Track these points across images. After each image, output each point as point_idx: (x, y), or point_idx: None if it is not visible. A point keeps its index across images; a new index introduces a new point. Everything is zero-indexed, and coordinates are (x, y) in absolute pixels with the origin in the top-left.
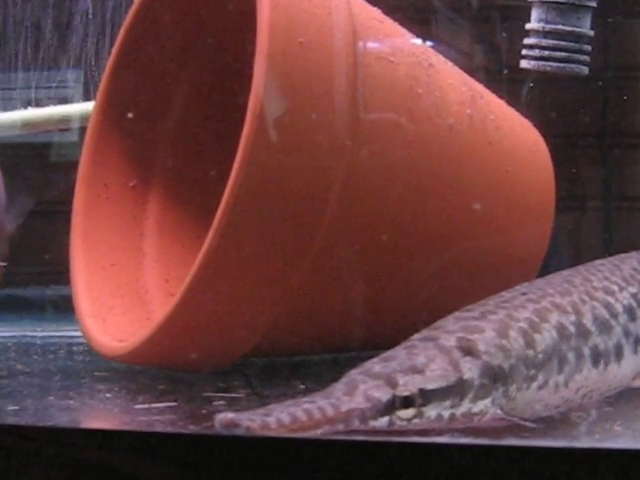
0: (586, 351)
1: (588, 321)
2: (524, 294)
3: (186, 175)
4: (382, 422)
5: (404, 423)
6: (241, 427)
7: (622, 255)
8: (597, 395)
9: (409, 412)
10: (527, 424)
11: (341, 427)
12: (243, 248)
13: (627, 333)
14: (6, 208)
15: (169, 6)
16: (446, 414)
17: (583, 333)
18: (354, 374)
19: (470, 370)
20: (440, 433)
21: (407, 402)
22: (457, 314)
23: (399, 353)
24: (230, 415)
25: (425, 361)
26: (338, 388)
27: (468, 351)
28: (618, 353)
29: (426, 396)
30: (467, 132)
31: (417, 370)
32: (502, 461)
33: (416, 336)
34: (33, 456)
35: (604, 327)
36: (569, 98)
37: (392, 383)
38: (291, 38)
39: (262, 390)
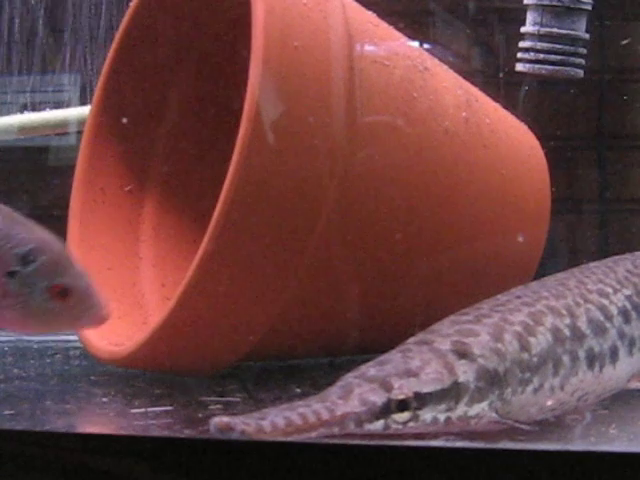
0: (581, 354)
1: (583, 324)
2: (519, 297)
3: (182, 179)
4: (377, 426)
5: (399, 426)
6: (236, 431)
7: (616, 257)
8: (592, 398)
9: (404, 415)
10: (523, 427)
11: (336, 431)
12: (239, 252)
13: (622, 335)
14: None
15: (165, 11)
16: (442, 417)
17: (578, 336)
18: (349, 378)
19: (465, 373)
20: (436, 436)
21: (402, 405)
22: (452, 317)
23: (394, 357)
24: (225, 419)
25: (420, 364)
26: (333, 392)
27: (463, 354)
28: (613, 355)
29: (421, 399)
30: (463, 135)
31: (412, 374)
32: (497, 464)
33: (411, 340)
34: (29, 461)
35: (599, 329)
36: (564, 101)
37: (387, 387)
38: (286, 42)
39: (258, 394)
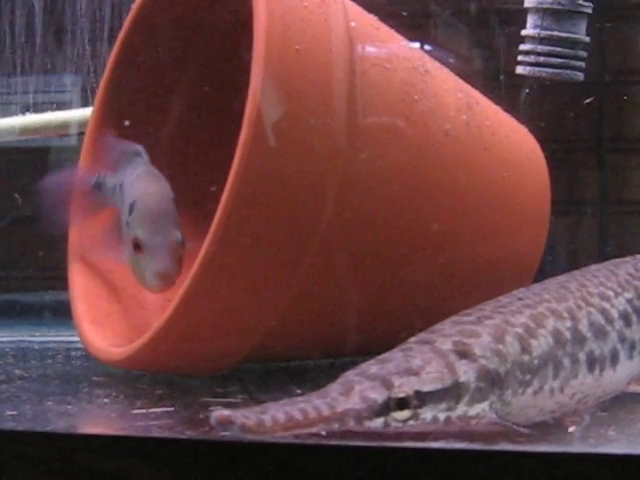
0: (582, 357)
1: (584, 327)
2: (520, 299)
3: (183, 182)
4: (377, 423)
5: (399, 424)
6: (236, 424)
7: (617, 260)
8: (592, 400)
9: (404, 414)
10: (521, 430)
11: (336, 427)
12: (240, 254)
13: (622, 339)
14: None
15: (167, 12)
16: (442, 416)
17: (579, 339)
18: (350, 375)
19: (466, 373)
20: (436, 436)
21: (402, 403)
22: (454, 318)
23: (395, 355)
24: (226, 412)
25: (421, 363)
26: (334, 388)
27: (464, 354)
28: (614, 359)
29: (422, 398)
30: (463, 138)
31: (413, 372)
32: (496, 466)
33: (412, 339)
34: (31, 461)
35: (600, 333)
36: (565, 104)
37: (388, 384)
38: (288, 45)
39: (259, 395)
